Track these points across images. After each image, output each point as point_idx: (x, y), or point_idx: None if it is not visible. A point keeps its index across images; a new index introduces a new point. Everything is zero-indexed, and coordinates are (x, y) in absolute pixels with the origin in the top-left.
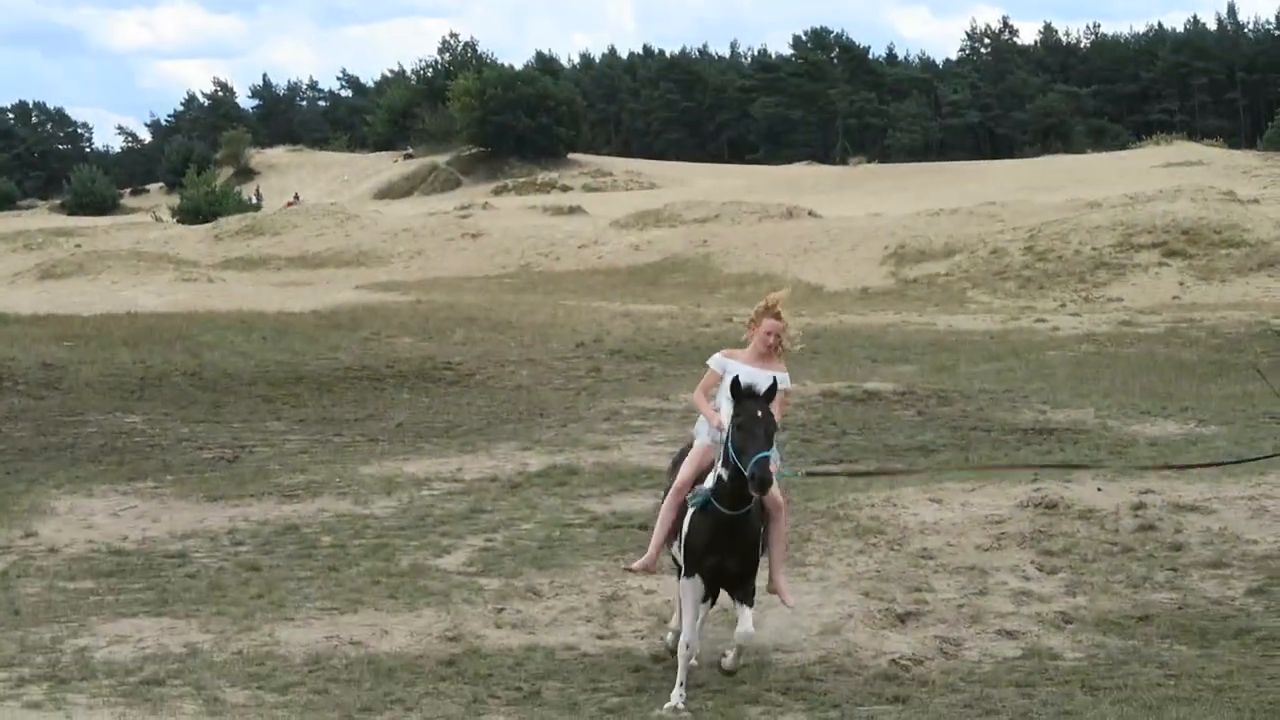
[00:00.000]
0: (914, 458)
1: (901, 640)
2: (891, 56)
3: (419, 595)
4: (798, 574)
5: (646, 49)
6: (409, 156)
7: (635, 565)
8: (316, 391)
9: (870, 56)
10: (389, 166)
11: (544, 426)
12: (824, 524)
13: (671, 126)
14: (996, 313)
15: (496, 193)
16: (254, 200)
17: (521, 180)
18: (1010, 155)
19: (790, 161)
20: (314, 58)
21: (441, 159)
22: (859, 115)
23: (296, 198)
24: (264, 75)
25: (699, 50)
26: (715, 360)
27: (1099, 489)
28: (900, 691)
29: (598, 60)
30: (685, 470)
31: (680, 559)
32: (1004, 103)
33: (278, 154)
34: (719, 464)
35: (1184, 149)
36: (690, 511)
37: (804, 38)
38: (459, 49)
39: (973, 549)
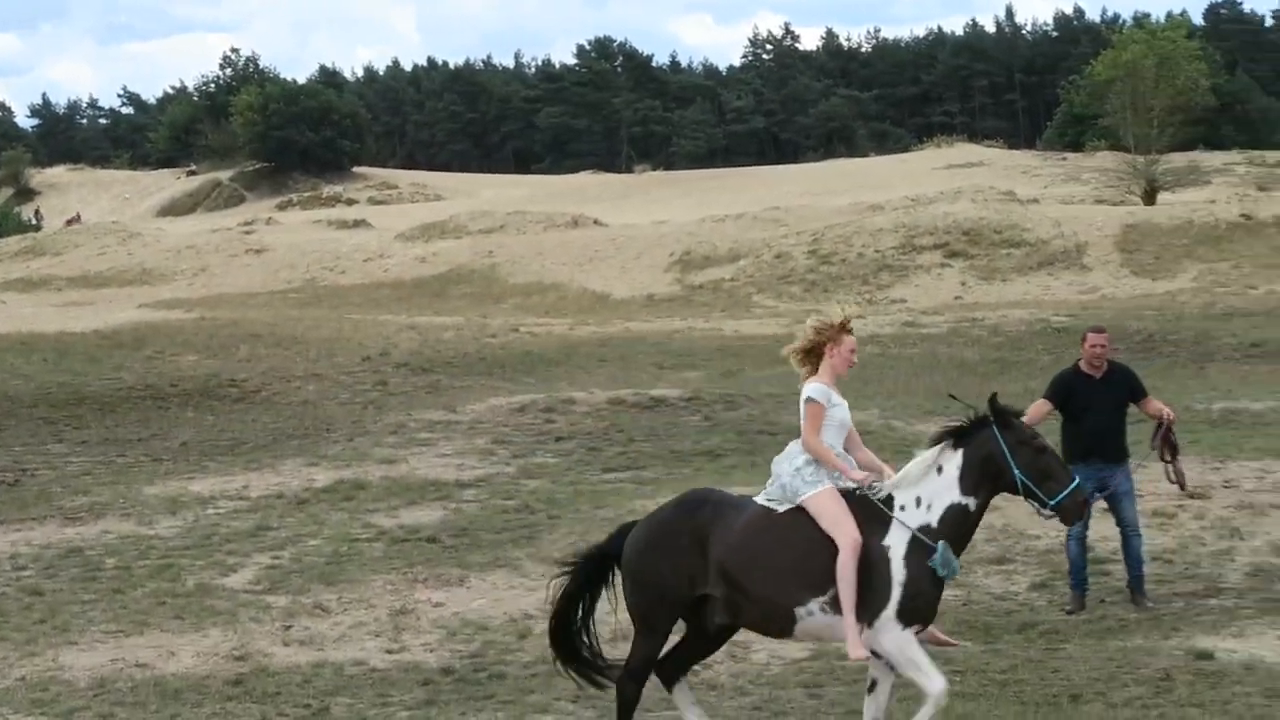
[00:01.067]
0: (701, 463)
1: None
2: (675, 64)
3: (205, 615)
4: None
5: (430, 61)
6: (192, 173)
7: (857, 655)
8: (99, 412)
9: (654, 64)
10: (172, 183)
11: (330, 441)
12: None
13: (456, 138)
14: (782, 316)
15: (281, 208)
16: (34, 220)
17: (306, 194)
18: (794, 160)
19: (576, 170)
20: (94, 75)
21: (225, 175)
22: (643, 123)
23: (77, 217)
24: (43, 94)
25: (483, 61)
26: (819, 391)
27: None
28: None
29: (381, 73)
30: (852, 526)
31: (895, 616)
32: (787, 108)
33: (58, 173)
34: (958, 499)
35: (965, 150)
36: (914, 566)
37: (588, 47)
38: (241, 64)
39: None
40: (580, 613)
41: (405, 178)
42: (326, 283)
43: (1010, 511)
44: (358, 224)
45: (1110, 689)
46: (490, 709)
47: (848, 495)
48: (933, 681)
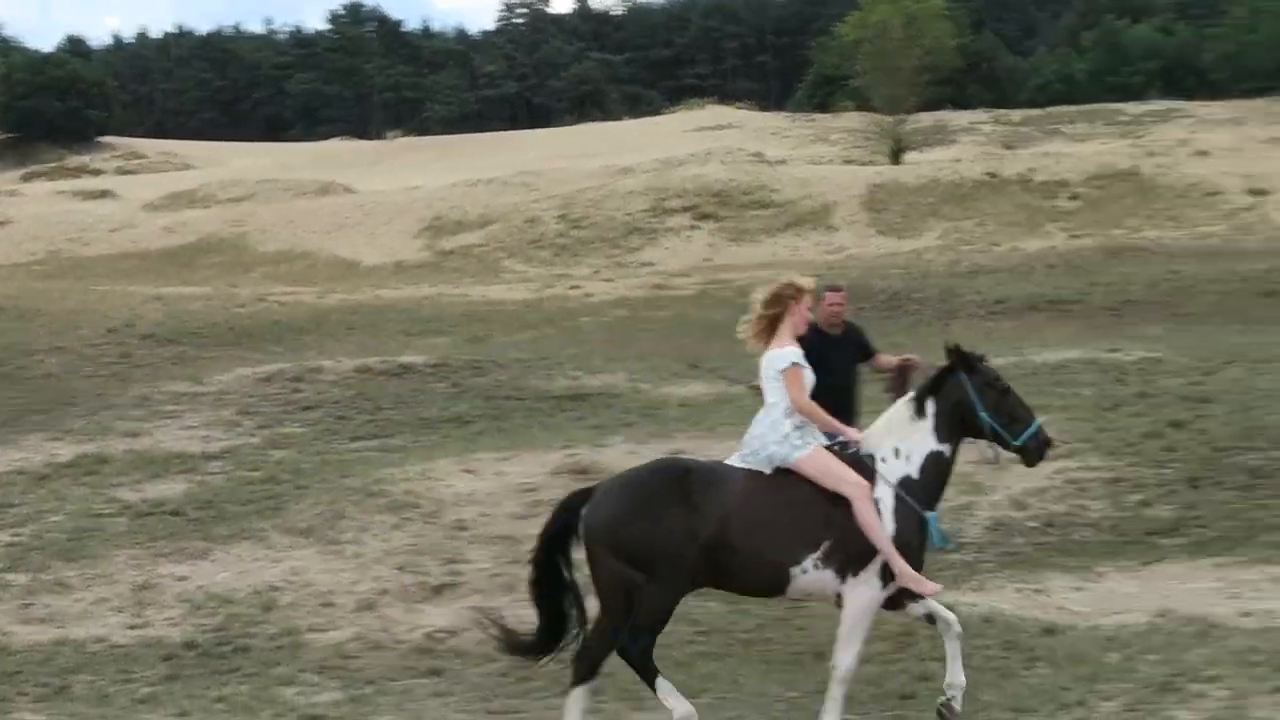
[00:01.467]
0: (449, 430)
1: (437, 613)
2: (427, 30)
3: None
4: (332, 552)
5: (179, 28)
6: None
7: (929, 590)
8: None
9: (405, 30)
10: None
11: (73, 416)
12: (358, 500)
13: (206, 106)
14: (532, 281)
15: (25, 179)
16: None
17: (51, 165)
18: (547, 124)
19: (328, 137)
20: None
21: None
22: (396, 89)
23: None
24: None
25: (234, 28)
26: (797, 354)
27: (630, 451)
28: (436, 664)
29: (129, 41)
30: (855, 475)
31: (879, 572)
32: (539, 72)
33: None
34: (935, 446)
35: (716, 113)
36: (902, 519)
37: (341, 12)
38: None
39: (507, 518)
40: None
41: (153, 147)
42: (71, 255)
43: None
44: (104, 194)
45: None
46: (234, 682)
47: (835, 451)
48: (848, 657)
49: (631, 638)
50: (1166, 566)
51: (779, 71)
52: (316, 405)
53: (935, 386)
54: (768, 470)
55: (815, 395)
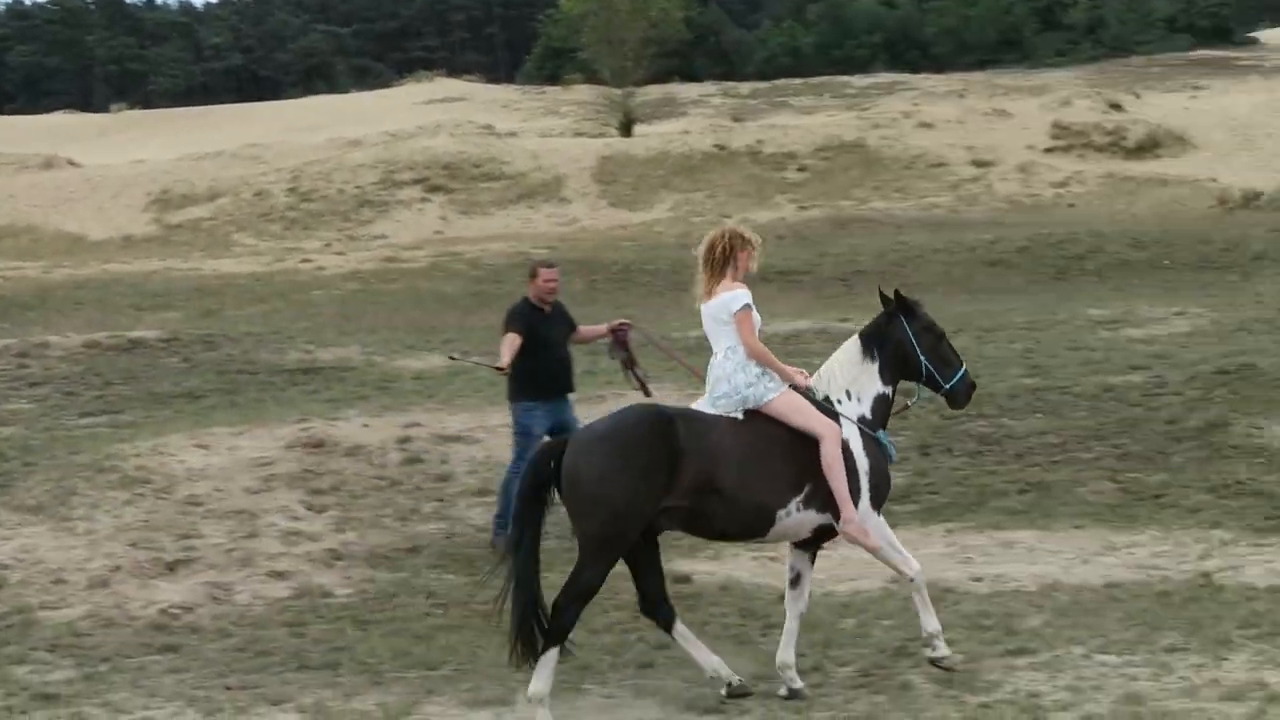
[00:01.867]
0: (181, 405)
1: (171, 589)
2: (150, 1)
3: None
4: (63, 529)
5: None
6: None
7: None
8: None
9: (127, 1)
10: None
11: None
12: (89, 476)
13: None
14: (262, 255)
15: None
16: None
17: None
18: (275, 97)
19: (51, 111)
20: None
21: None
22: (119, 61)
23: None
24: None
25: None
26: (748, 296)
27: (365, 424)
28: (171, 640)
29: None
30: (823, 416)
31: (870, 504)
32: (265, 45)
33: None
34: (881, 388)
35: (445, 85)
36: (872, 454)
37: None
38: None
39: (241, 492)
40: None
41: None
42: None
43: (491, 444)
44: None
45: (590, 615)
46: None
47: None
48: (910, 562)
49: (576, 599)
50: (900, 533)
51: (507, 44)
52: (44, 381)
53: (881, 331)
54: (739, 413)
55: (532, 373)
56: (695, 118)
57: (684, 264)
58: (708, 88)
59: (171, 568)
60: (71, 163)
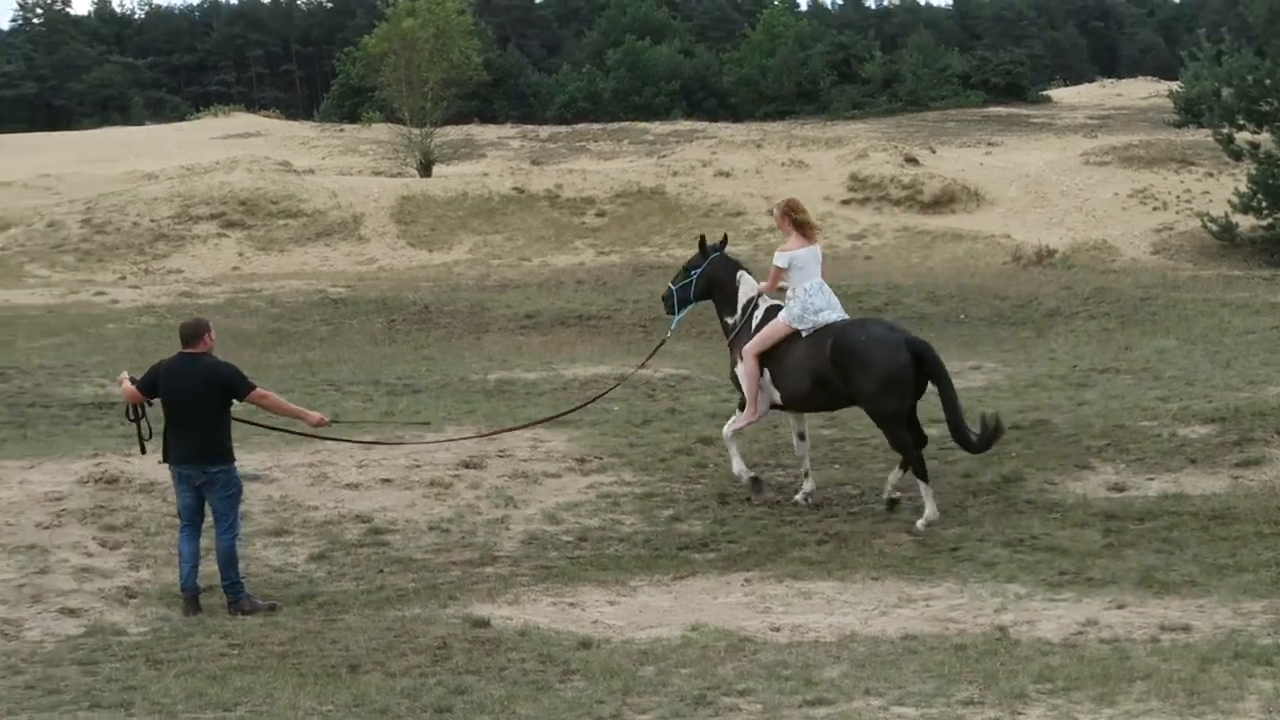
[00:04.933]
0: None
1: None
2: None
3: None
4: None
5: None
6: None
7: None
8: None
9: None
10: None
11: None
12: None
13: None
14: (55, 286)
15: None
16: None
17: None
18: (69, 128)
19: None
20: None
21: None
22: None
23: None
24: None
25: None
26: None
27: (159, 461)
28: None
29: None
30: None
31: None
32: (59, 74)
33: None
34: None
35: (243, 120)
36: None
37: None
38: None
39: (33, 527)
40: None
41: None
42: None
43: (288, 483)
44: None
45: (389, 658)
46: None
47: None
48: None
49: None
50: (699, 581)
51: (306, 80)
52: None
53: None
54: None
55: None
56: (494, 160)
57: (484, 306)
58: (507, 130)
59: None
60: None
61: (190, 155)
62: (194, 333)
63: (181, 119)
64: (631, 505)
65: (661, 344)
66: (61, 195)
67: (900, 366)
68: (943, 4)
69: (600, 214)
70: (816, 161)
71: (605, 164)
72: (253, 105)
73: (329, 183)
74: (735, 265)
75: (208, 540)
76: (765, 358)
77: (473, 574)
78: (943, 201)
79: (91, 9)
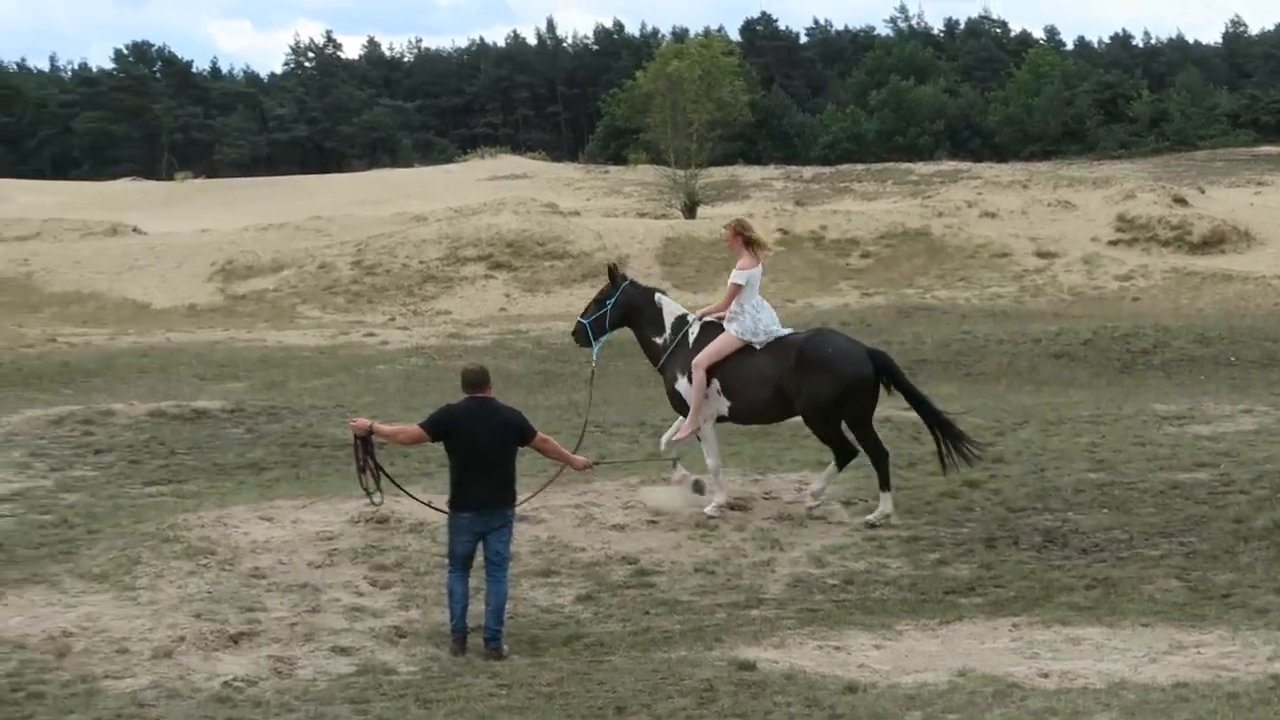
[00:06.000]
0: (245, 476)
1: (235, 661)
2: (216, 70)
3: None
4: (127, 598)
5: None
6: None
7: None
8: None
9: (194, 70)
10: None
11: None
12: (154, 546)
13: None
14: (326, 327)
15: None
16: None
17: None
18: (339, 169)
19: (115, 177)
20: None
21: None
22: (184, 130)
23: None
24: None
25: (16, 64)
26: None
27: (428, 502)
28: (234, 713)
29: None
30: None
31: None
32: (331, 116)
33: None
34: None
35: (508, 162)
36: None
37: (125, 51)
38: None
39: (305, 566)
40: None
41: None
42: None
43: (555, 524)
44: None
45: (655, 700)
46: None
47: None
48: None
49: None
50: (965, 626)
51: (571, 122)
52: (109, 449)
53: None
54: None
55: None
56: (758, 201)
57: None
58: (771, 171)
59: (235, 640)
60: (136, 230)
61: (458, 197)
62: (483, 378)
63: (449, 161)
64: (897, 549)
65: (592, 380)
66: (332, 237)
67: (866, 376)
68: (1211, 42)
69: (865, 255)
70: (1083, 202)
71: (869, 204)
72: (519, 147)
73: (594, 224)
74: (650, 289)
75: (474, 580)
76: (715, 370)
77: (738, 616)
78: (1212, 242)
79: (362, 52)
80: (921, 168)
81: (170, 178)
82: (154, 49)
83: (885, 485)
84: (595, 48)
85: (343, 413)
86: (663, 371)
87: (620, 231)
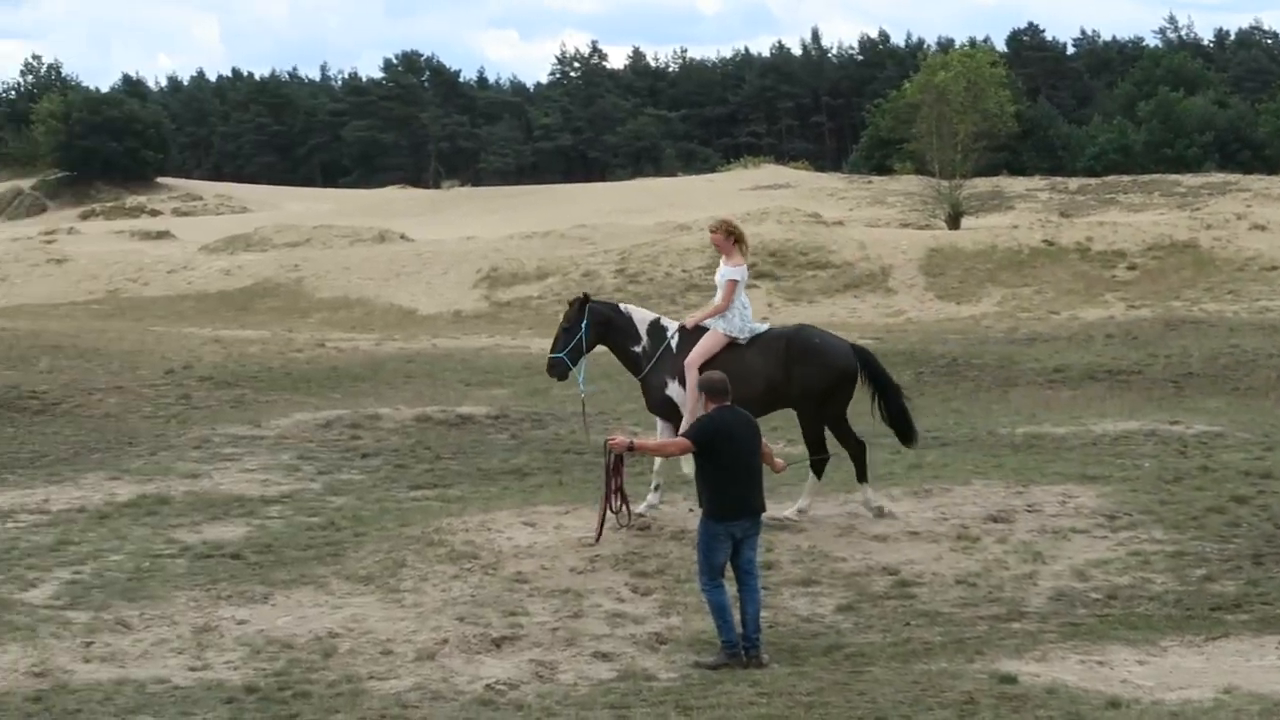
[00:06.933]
0: (508, 481)
1: (497, 665)
2: (482, 80)
3: (4, 630)
4: (392, 600)
5: (235, 72)
6: None
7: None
8: None
9: (461, 80)
10: None
11: (133, 455)
12: (418, 549)
13: (263, 150)
14: None
15: (84, 217)
16: None
17: (109, 204)
18: (602, 178)
19: (383, 185)
20: None
21: (26, 183)
22: (451, 138)
23: None
24: None
25: (289, 73)
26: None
27: (690, 509)
28: (496, 716)
29: (185, 83)
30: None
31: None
32: (595, 126)
33: None
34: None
35: (772, 172)
36: None
37: (394, 60)
38: (43, 71)
39: (567, 572)
40: None
41: (210, 189)
42: (129, 294)
43: (816, 534)
44: (161, 235)
45: (915, 712)
46: None
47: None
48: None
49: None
50: (1231, 642)
51: (834, 132)
52: (376, 453)
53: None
54: None
55: None
56: (1022, 212)
57: (1011, 360)
58: (1035, 182)
59: (498, 644)
60: (404, 237)
61: (721, 206)
62: (728, 386)
63: (712, 170)
64: (1162, 564)
65: (584, 409)
66: (596, 245)
67: (852, 368)
68: None
69: (1131, 267)
70: None
71: (1135, 216)
72: (782, 157)
73: (857, 234)
74: (612, 302)
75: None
76: (704, 369)
77: (1000, 629)
78: None
79: (626, 62)
80: (1189, 179)
81: (437, 185)
82: (423, 59)
83: (864, 478)
84: (860, 58)
85: (605, 420)
86: (646, 380)
87: (883, 242)
